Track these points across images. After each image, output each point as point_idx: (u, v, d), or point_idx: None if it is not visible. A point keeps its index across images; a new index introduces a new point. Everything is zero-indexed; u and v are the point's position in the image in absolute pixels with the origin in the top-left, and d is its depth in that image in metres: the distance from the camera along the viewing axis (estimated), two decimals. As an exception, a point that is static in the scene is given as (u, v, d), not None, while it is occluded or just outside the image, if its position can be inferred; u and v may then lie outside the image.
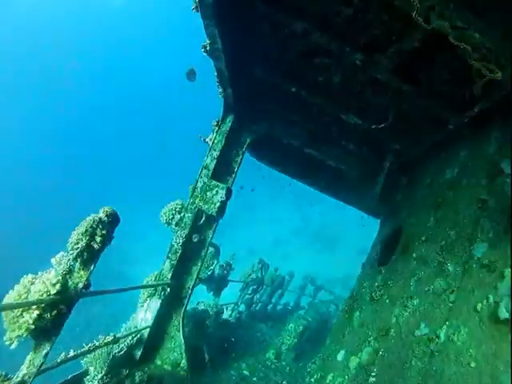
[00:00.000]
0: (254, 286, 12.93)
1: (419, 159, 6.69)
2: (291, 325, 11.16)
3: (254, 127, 7.30)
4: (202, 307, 9.26)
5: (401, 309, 4.58)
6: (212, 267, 8.51)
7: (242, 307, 13.90)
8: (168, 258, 6.55)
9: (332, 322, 19.33)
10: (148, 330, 6.49)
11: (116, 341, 5.14)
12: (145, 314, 6.53)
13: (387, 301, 5.12)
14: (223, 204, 6.47)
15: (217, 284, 9.87)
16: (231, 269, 10.18)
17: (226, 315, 12.02)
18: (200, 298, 10.80)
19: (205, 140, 6.99)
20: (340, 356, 5.60)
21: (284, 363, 10.26)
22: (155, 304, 6.50)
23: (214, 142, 6.86)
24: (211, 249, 8.42)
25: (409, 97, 5.29)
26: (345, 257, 40.66)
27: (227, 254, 10.64)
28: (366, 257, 7.61)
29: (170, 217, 6.52)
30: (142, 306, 6.58)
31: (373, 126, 5.77)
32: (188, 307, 8.25)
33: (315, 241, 45.75)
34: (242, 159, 7.22)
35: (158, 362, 6.72)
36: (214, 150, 6.83)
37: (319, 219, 49.83)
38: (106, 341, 4.97)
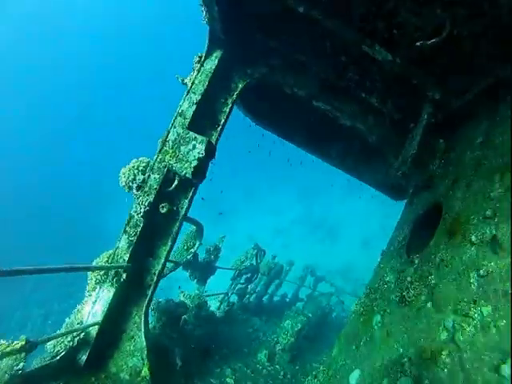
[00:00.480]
0: (248, 275, 11.33)
1: (465, 112, 5.00)
2: (288, 322, 9.55)
3: (249, 70, 5.60)
4: (182, 299, 7.67)
5: (458, 319, 2.93)
6: (193, 249, 6.88)
7: (234, 298, 12.33)
8: (125, 232, 4.89)
9: (333, 316, 17.87)
10: (97, 327, 4.88)
11: (30, 347, 3.50)
12: (93, 307, 4.90)
13: (429, 304, 3.48)
14: (201, 163, 4.76)
15: (201, 271, 8.26)
16: (219, 253, 8.57)
17: (213, 307, 10.46)
18: (186, 287, 9.25)
19: (183, 81, 5.29)
20: (353, 379, 3.98)
21: (278, 367, 8.69)
22: (107, 294, 4.87)
23: (193, 83, 5.16)
24: (192, 227, 6.80)
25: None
26: (347, 248, 39.17)
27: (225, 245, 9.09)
28: (388, 241, 5.96)
29: (131, 178, 4.85)
30: (90, 295, 4.96)
31: (418, 43, 4.05)
32: (165, 298, 6.71)
33: (316, 230, 44.24)
34: (231, 110, 5.52)
35: (113, 370, 5.11)
36: (194, 94, 5.12)
37: (321, 208, 48.27)
38: (11, 348, 3.34)
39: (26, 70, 72.54)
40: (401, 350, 3.48)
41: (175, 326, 6.48)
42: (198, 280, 8.46)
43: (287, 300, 16.22)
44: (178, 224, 5.08)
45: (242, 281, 11.23)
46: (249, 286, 12.60)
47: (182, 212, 5.13)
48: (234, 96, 5.49)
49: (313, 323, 11.12)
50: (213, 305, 10.51)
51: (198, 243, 6.79)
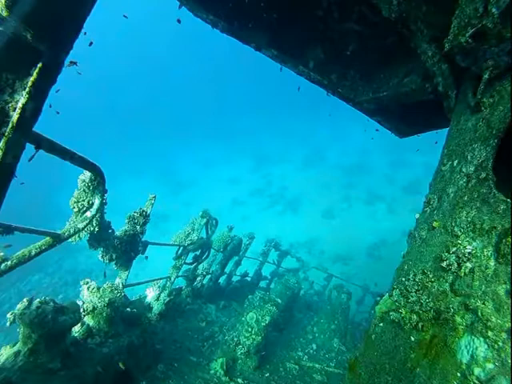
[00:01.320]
0: (197, 252, 8.55)
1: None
2: (251, 314, 6.89)
3: None
4: (84, 296, 4.77)
5: None
6: (92, 212, 3.99)
7: (180, 283, 9.56)
8: None
9: (300, 294, 15.50)
10: None
11: None
12: None
13: None
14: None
15: (120, 249, 5.40)
16: (147, 221, 5.71)
17: (150, 299, 7.65)
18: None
19: None
20: None
21: (240, 381, 6.07)
22: None
23: None
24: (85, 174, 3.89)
25: None
26: (309, 219, 37.12)
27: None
28: (431, 184, 3.33)
29: None
30: None
31: None
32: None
33: (276, 202, 41.86)
34: None
35: None
36: None
37: (280, 179, 45.84)
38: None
39: None
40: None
41: (56, 348, 3.63)
42: (117, 262, 5.61)
43: (248, 279, 13.67)
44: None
45: (189, 259, 8.45)
46: (200, 266, 9.89)
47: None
48: None
49: (282, 309, 8.65)
50: (148, 297, 7.74)
51: (98, 199, 3.89)
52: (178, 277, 8.17)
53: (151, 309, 7.32)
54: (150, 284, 7.74)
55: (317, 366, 7.79)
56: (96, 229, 4.53)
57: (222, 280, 11.53)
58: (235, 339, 6.68)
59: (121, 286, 5.55)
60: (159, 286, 7.82)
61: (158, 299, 7.61)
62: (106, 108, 71.89)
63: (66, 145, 2.54)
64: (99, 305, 4.64)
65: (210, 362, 6.21)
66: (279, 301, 8.00)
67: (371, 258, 29.32)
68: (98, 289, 4.83)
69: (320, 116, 59.41)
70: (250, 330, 6.63)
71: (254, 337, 6.54)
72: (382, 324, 2.76)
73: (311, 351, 9.01)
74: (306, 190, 41.20)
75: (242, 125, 65.54)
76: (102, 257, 5.27)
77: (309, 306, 14.43)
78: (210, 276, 10.53)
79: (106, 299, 4.64)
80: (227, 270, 11.52)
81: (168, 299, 7.54)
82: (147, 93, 76.67)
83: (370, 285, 19.66)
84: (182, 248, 7.77)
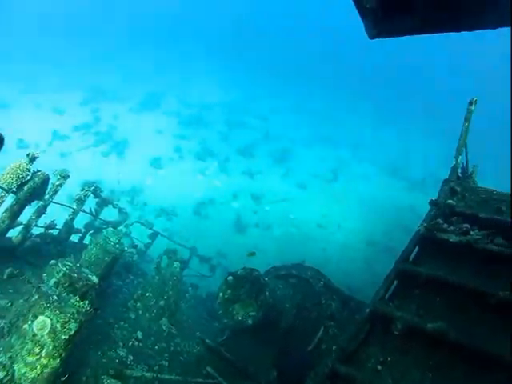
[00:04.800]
0: None
1: None
2: (42, 321, 3.96)
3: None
4: None
5: None
6: None
7: None
8: None
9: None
10: None
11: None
12: None
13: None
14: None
15: None
16: None
17: None
18: None
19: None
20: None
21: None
22: None
23: None
24: None
25: None
26: (135, 166, 33.65)
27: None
28: None
29: None
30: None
31: None
32: None
33: (102, 142, 36.74)
34: None
35: None
36: None
37: (112, 118, 40.62)
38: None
39: None
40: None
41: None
42: None
43: (54, 233, 10.30)
44: None
45: None
46: None
47: None
48: None
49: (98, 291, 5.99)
50: None
51: None
52: None
53: None
54: None
55: (147, 375, 5.53)
56: None
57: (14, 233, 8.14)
58: (6, 368, 3.75)
59: None
60: None
61: None
62: None
63: None
64: None
65: None
66: (94, 280, 5.23)
67: (197, 216, 27.89)
68: None
69: (169, 56, 55.18)
70: (36, 349, 3.78)
71: (44, 361, 3.75)
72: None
73: (136, 343, 6.72)
74: (136, 133, 37.28)
75: (79, 52, 56.23)
76: None
77: (128, 267, 11.96)
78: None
79: None
80: (24, 219, 8.16)
81: None
82: None
83: (197, 246, 18.13)
84: None
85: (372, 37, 3.25)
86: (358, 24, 3.08)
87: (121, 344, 6.84)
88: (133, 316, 8.12)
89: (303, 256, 20.22)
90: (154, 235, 16.67)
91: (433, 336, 4.69)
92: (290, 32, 68.50)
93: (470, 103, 7.93)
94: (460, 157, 7.88)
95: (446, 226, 6.24)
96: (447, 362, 4.58)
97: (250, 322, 8.04)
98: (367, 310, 5.29)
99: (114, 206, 14.63)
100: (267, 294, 8.19)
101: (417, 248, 6.19)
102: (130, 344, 7.02)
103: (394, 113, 48.50)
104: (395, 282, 5.68)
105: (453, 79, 59.34)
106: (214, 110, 44.27)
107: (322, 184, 32.92)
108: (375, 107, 49.36)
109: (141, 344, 7.19)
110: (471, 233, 5.97)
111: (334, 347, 7.93)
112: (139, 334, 7.52)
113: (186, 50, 59.67)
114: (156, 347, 7.40)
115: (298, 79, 54.17)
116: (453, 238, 5.93)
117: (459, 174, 7.93)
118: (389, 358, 4.80)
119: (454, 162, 7.88)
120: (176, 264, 9.45)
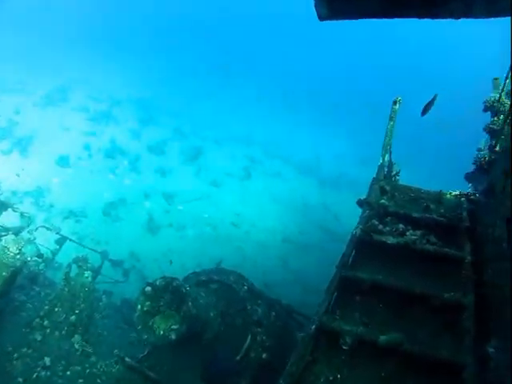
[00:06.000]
0: None
1: None
2: None
3: None
4: None
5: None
6: None
7: None
8: None
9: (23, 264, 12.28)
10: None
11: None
12: None
13: None
14: None
15: None
16: None
17: None
18: None
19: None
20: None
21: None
22: None
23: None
24: None
25: None
26: (40, 165, 31.89)
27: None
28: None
29: None
30: None
31: None
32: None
33: (3, 138, 34.22)
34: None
35: None
36: None
37: (13, 113, 37.88)
38: None
39: None
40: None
41: None
42: None
43: None
44: None
45: None
46: None
47: None
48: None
49: None
50: None
51: None
52: None
53: None
54: None
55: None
56: None
57: None
58: None
59: None
60: None
61: None
62: None
63: None
64: None
65: None
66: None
67: (108, 217, 27.37)
68: None
69: (78, 48, 52.15)
70: None
71: None
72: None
73: (42, 373, 6.35)
74: (41, 129, 35.28)
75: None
76: None
77: (33, 278, 11.64)
78: None
79: None
80: None
81: None
82: None
83: (108, 249, 18.00)
84: None
85: (322, 17, 3.00)
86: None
87: (20, 380, 6.26)
88: (39, 338, 7.61)
89: (219, 255, 20.82)
90: (61, 240, 16.23)
91: (385, 348, 4.61)
92: (201, 26, 68.11)
93: (395, 102, 7.96)
94: (386, 155, 7.96)
95: (381, 227, 6.23)
96: (397, 371, 4.49)
97: (173, 336, 7.44)
98: (312, 327, 4.86)
99: (14, 210, 14.04)
100: (190, 304, 7.61)
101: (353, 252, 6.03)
102: (35, 376, 6.47)
103: (307, 111, 49.96)
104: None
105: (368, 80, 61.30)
106: (124, 105, 43.19)
107: (235, 182, 33.40)
108: (286, 105, 50.85)
109: (48, 372, 6.70)
110: (407, 233, 6.02)
111: (263, 355, 8.12)
112: (47, 361, 7.04)
113: (96, 45, 56.97)
114: (68, 372, 6.95)
115: (212, 77, 54.31)
116: (390, 240, 5.90)
117: (385, 173, 7.99)
118: (338, 376, 4.52)
119: (381, 161, 7.94)
120: (87, 273, 9.24)
